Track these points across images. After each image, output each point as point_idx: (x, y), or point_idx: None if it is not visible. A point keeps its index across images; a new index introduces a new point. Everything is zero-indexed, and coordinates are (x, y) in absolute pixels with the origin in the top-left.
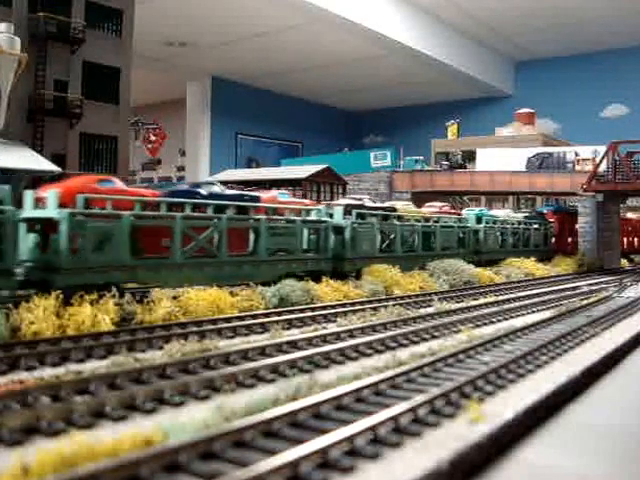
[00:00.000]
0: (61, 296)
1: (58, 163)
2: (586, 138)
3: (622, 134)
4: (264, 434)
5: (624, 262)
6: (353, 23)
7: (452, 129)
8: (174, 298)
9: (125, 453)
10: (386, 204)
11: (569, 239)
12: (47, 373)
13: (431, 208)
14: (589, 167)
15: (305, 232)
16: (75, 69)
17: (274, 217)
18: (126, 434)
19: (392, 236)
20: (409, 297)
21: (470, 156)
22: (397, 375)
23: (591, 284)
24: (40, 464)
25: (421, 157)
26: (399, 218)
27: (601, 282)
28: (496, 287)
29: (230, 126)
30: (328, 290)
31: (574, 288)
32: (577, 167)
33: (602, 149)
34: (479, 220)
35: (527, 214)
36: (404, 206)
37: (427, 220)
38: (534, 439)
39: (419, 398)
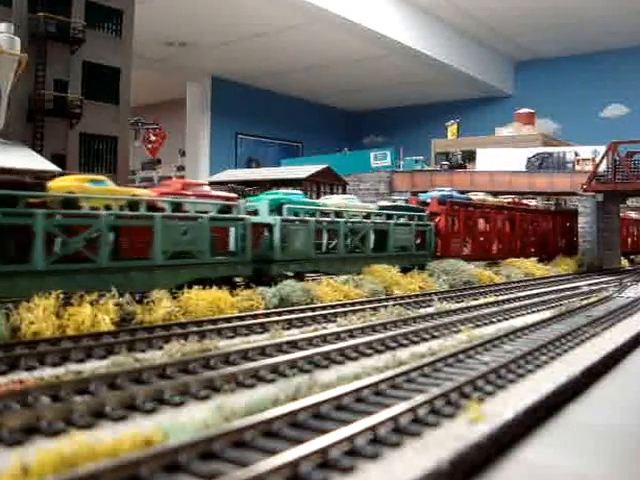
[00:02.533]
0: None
1: (58, 163)
2: (586, 138)
3: (622, 134)
4: (264, 434)
5: (624, 262)
6: (353, 23)
7: (452, 129)
8: (174, 298)
9: (125, 453)
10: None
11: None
12: (47, 373)
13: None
14: (589, 167)
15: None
16: (75, 69)
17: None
18: (126, 434)
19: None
20: (409, 297)
21: (470, 156)
22: (397, 375)
23: (591, 284)
24: (40, 464)
25: (421, 157)
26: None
27: (601, 282)
28: (496, 287)
29: (230, 126)
30: (328, 290)
31: (574, 288)
32: (577, 167)
33: (602, 149)
34: (279, 210)
35: (394, 203)
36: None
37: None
38: (534, 439)
39: (419, 398)
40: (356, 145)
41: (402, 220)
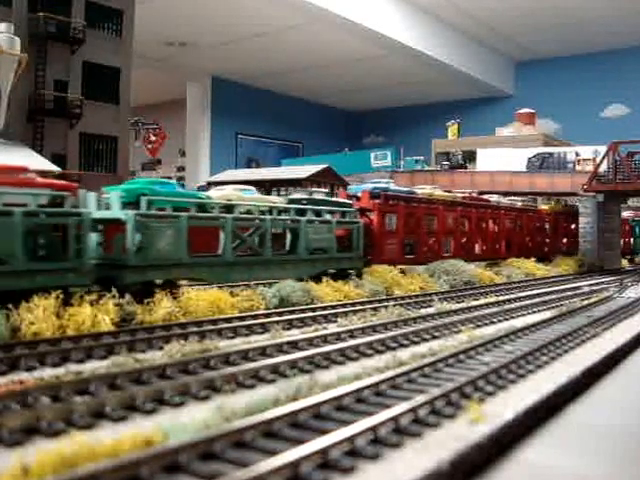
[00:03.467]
0: (61, 296)
1: (58, 163)
2: (586, 138)
3: (622, 134)
4: (264, 434)
5: (624, 262)
6: (353, 23)
7: (452, 129)
8: (174, 298)
9: (125, 453)
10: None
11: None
12: (47, 373)
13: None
14: (590, 167)
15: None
16: (75, 69)
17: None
18: (126, 434)
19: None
20: (409, 297)
21: (470, 156)
22: (398, 375)
23: (592, 284)
24: (40, 464)
25: (421, 157)
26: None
27: (602, 282)
28: (496, 287)
29: (230, 126)
30: (329, 290)
31: (574, 288)
32: (577, 167)
33: (602, 149)
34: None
35: (310, 196)
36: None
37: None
38: (534, 439)
39: (419, 398)
40: (356, 145)
41: (328, 217)
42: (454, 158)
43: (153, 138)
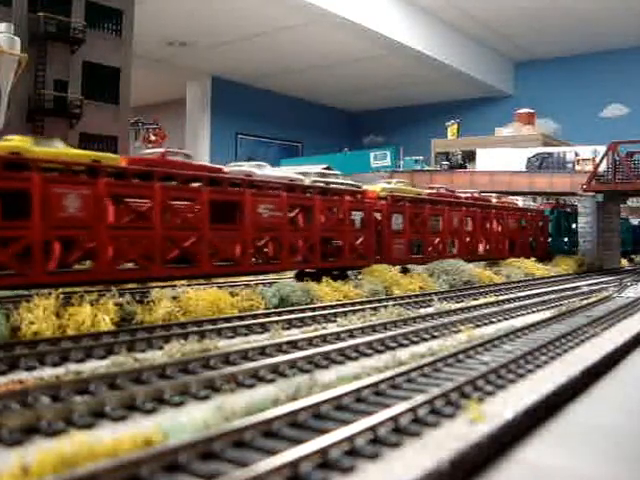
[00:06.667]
0: (61, 296)
1: None
2: (586, 138)
3: (622, 134)
4: (264, 434)
5: (624, 262)
6: (353, 23)
7: (452, 129)
8: (174, 298)
9: (125, 453)
10: None
11: None
12: (47, 373)
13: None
14: (589, 167)
15: None
16: (75, 69)
17: None
18: (126, 434)
19: None
20: (409, 297)
21: (470, 156)
22: (397, 375)
23: (591, 284)
24: (40, 464)
25: (421, 157)
26: None
27: (601, 282)
28: (496, 287)
29: (230, 126)
30: (328, 290)
31: (574, 288)
32: (577, 167)
33: (602, 149)
34: None
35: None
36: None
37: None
38: (534, 439)
39: (419, 398)
40: (356, 145)
41: None
42: (454, 158)
43: (153, 138)
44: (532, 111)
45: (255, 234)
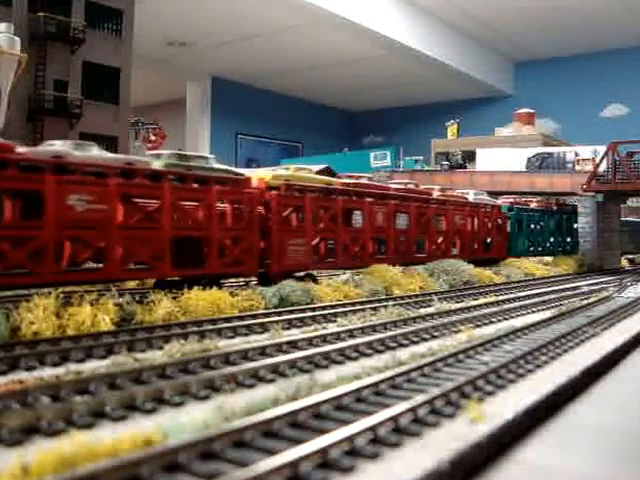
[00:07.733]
0: (61, 296)
1: None
2: (586, 138)
3: (622, 134)
4: (264, 434)
5: (624, 262)
6: (353, 23)
7: (452, 129)
8: (174, 298)
9: (125, 453)
10: None
11: None
12: (47, 373)
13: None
14: (589, 167)
15: None
16: (75, 69)
17: None
18: (126, 434)
19: None
20: (409, 297)
21: (470, 156)
22: (397, 375)
23: (591, 284)
24: (40, 464)
25: (421, 157)
26: None
27: (601, 282)
28: (496, 287)
29: (230, 126)
30: (328, 290)
31: (574, 288)
32: (577, 167)
33: (602, 149)
34: None
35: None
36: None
37: None
38: (534, 439)
39: (419, 398)
40: (356, 145)
41: None
42: (453, 158)
43: (153, 138)
44: (532, 111)
45: (62, 232)
